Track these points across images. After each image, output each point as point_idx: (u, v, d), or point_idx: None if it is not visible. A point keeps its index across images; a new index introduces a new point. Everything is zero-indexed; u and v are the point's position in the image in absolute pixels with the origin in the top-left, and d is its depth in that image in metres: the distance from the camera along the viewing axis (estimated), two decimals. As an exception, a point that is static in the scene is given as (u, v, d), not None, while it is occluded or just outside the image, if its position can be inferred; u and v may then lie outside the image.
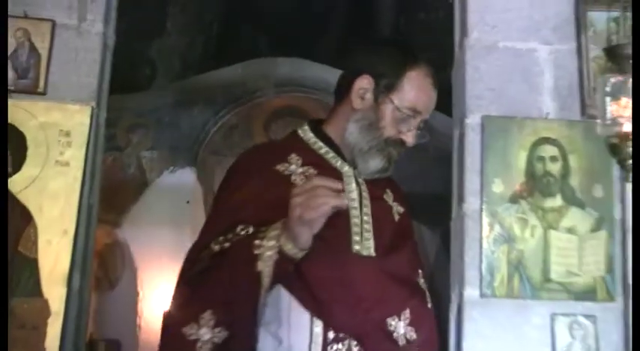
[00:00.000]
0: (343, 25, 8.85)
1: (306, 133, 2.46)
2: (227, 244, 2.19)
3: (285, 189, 2.13)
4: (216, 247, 2.20)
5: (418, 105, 2.36)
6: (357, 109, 2.38)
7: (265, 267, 2.04)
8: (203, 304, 2.13)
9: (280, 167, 2.34)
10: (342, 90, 2.47)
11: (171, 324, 2.21)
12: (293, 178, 2.31)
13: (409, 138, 2.38)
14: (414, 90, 2.35)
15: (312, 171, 2.33)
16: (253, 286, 2.07)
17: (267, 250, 2.04)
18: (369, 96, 2.37)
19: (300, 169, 2.33)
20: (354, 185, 2.37)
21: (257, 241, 2.07)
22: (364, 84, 2.37)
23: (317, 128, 2.47)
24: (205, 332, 2.08)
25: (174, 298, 2.28)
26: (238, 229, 2.22)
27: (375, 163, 2.38)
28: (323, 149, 2.41)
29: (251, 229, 2.19)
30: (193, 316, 2.11)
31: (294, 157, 2.36)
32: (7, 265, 2.86)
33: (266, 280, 2.06)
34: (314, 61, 7.79)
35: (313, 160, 2.37)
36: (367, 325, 2.23)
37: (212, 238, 2.24)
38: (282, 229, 2.03)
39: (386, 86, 2.34)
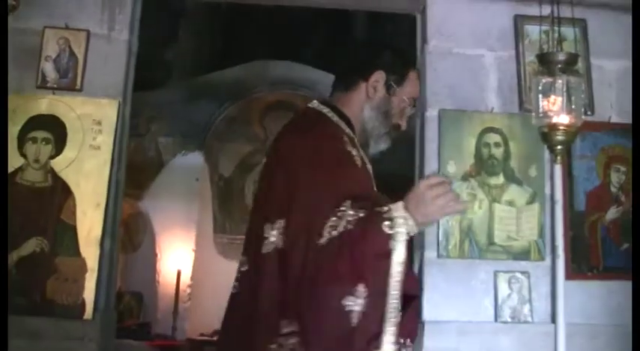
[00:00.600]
0: (324, 35, 8.82)
1: (334, 117, 2.27)
2: (346, 224, 1.92)
3: (359, 169, 2.13)
4: (341, 226, 1.92)
5: (415, 97, 2.38)
6: (370, 97, 2.30)
7: (398, 245, 1.85)
8: (356, 277, 1.87)
9: (349, 148, 2.17)
10: (353, 80, 2.34)
11: (330, 296, 1.89)
12: (355, 158, 2.17)
13: (404, 123, 2.37)
14: (413, 85, 2.37)
15: (361, 154, 2.22)
16: (386, 262, 1.87)
17: (399, 230, 1.86)
18: (380, 88, 2.30)
19: (354, 151, 2.18)
20: None
21: (387, 222, 1.87)
22: (379, 78, 2.30)
23: (340, 112, 2.29)
24: (360, 303, 1.85)
25: (323, 270, 1.91)
26: (347, 204, 1.96)
27: (384, 145, 2.34)
28: (351, 134, 2.26)
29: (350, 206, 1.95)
30: (351, 289, 1.86)
31: (345, 139, 2.20)
32: (7, 264, 2.84)
33: (400, 256, 1.86)
34: (301, 63, 7.77)
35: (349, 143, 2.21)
36: None
37: (328, 214, 1.94)
38: (408, 215, 1.87)
39: (395, 81, 2.31)
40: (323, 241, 1.92)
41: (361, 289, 1.86)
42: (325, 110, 2.28)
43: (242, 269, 2.08)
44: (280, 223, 1.98)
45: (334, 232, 1.92)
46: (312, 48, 8.60)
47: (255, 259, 2.03)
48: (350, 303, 1.85)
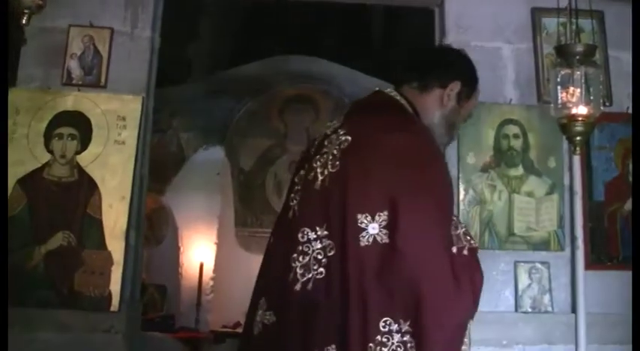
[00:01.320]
0: (342, 30, 8.83)
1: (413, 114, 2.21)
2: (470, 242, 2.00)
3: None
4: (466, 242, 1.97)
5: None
6: (445, 105, 2.23)
7: None
8: (474, 297, 1.90)
9: None
10: (432, 83, 2.25)
11: (464, 319, 1.90)
12: None
13: (454, 137, 2.37)
14: (477, 100, 2.36)
15: None
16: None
17: None
18: (453, 97, 2.24)
19: None
20: None
21: None
22: (455, 87, 2.24)
23: (416, 111, 2.21)
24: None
25: (464, 292, 1.87)
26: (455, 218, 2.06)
27: None
28: None
29: None
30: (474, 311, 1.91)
31: None
32: (7, 263, 2.87)
33: None
34: (319, 57, 7.77)
35: None
36: None
37: (449, 224, 1.97)
38: None
39: (466, 93, 2.27)
40: (454, 250, 1.93)
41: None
42: (404, 102, 2.21)
43: (329, 254, 1.93)
44: (382, 216, 1.87)
45: (464, 251, 1.94)
46: (329, 43, 8.61)
47: (347, 246, 1.90)
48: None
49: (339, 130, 2.08)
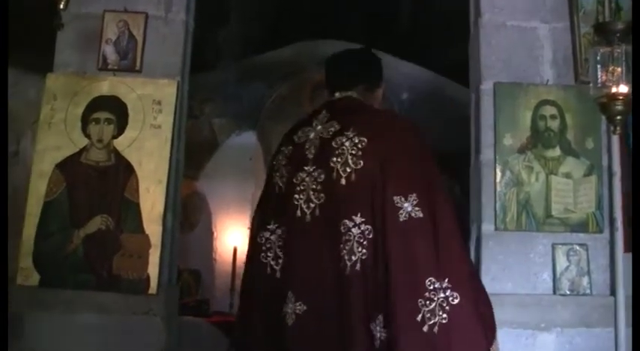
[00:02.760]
0: (371, 12, 8.77)
1: None
2: None
3: None
4: None
5: None
6: (381, 100, 2.82)
7: None
8: None
9: None
10: (376, 84, 2.77)
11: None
12: None
13: None
14: None
15: None
16: None
17: None
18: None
19: None
20: None
21: None
22: (383, 85, 2.82)
23: None
24: None
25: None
26: None
27: None
28: None
29: None
30: None
31: None
32: (7, 261, 2.91)
33: None
34: (347, 42, 7.74)
35: None
36: None
37: None
38: None
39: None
40: None
41: None
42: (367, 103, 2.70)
43: (369, 237, 2.29)
44: (412, 197, 2.30)
45: None
46: (359, 26, 8.57)
47: (387, 223, 2.29)
48: None
49: (346, 133, 2.42)
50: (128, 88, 3.60)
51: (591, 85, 2.84)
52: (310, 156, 2.46)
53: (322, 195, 2.39)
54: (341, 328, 2.26)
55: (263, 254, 2.49)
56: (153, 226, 3.47)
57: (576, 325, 3.35)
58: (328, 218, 2.37)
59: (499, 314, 3.28)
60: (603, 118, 2.91)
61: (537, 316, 3.35)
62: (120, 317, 3.41)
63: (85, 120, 3.59)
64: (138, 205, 3.48)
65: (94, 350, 3.38)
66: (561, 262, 3.42)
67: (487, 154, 3.52)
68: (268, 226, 2.51)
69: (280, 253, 2.45)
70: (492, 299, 3.27)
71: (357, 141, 2.39)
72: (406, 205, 2.30)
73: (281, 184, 2.52)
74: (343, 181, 2.36)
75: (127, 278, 3.40)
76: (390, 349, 2.19)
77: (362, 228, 2.31)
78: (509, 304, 3.34)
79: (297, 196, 2.42)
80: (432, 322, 2.18)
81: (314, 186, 2.41)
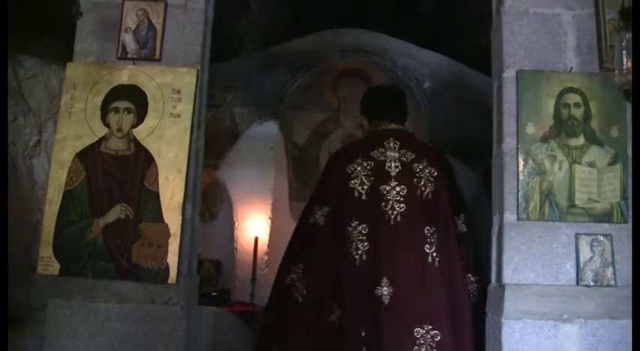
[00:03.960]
0: (392, 1, 8.73)
1: None
2: None
3: None
4: None
5: None
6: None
7: None
8: None
9: None
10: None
11: None
12: None
13: None
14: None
15: None
16: None
17: None
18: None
19: None
20: None
21: None
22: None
23: None
24: None
25: None
26: None
27: None
28: None
29: None
30: None
31: None
32: (7, 259, 2.90)
33: None
34: (371, 30, 7.71)
35: None
36: None
37: None
38: None
39: None
40: None
41: None
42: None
43: (437, 241, 3.31)
44: (461, 217, 3.45)
45: None
46: (381, 14, 8.53)
47: (450, 231, 3.41)
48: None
49: (422, 162, 3.42)
50: (147, 77, 3.60)
51: (616, 72, 2.80)
52: (393, 173, 3.31)
53: (403, 205, 3.25)
54: (426, 305, 3.15)
55: (350, 245, 3.24)
56: (172, 215, 3.47)
57: (600, 317, 3.31)
58: (410, 224, 3.26)
59: (521, 305, 3.29)
60: (629, 106, 2.87)
61: (560, 307, 3.31)
62: (139, 306, 3.43)
63: (105, 109, 3.60)
64: (157, 194, 3.48)
65: (114, 339, 3.40)
66: (585, 253, 3.38)
67: (509, 143, 3.47)
68: (352, 223, 3.27)
69: (360, 246, 3.23)
70: (514, 290, 3.30)
71: (431, 170, 3.36)
72: (459, 222, 3.42)
73: (361, 191, 3.30)
74: (424, 198, 3.31)
75: (146, 267, 3.42)
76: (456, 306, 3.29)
77: (436, 235, 3.28)
78: (532, 294, 3.31)
79: (383, 203, 3.26)
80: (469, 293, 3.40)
81: (398, 197, 3.26)
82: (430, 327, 3.11)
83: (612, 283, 3.35)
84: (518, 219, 3.40)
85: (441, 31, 8.08)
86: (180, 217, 3.48)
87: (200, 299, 4.04)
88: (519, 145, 3.45)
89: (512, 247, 3.38)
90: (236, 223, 7.43)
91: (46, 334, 3.45)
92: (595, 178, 3.45)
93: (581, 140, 3.48)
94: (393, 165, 3.30)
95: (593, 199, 3.43)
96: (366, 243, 3.21)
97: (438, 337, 3.13)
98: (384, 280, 3.14)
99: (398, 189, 3.26)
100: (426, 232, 3.24)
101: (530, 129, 3.46)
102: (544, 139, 3.46)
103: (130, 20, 3.66)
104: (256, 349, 3.47)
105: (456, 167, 6.70)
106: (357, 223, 3.23)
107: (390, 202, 3.23)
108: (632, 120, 3.37)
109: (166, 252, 3.43)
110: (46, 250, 3.46)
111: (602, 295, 3.33)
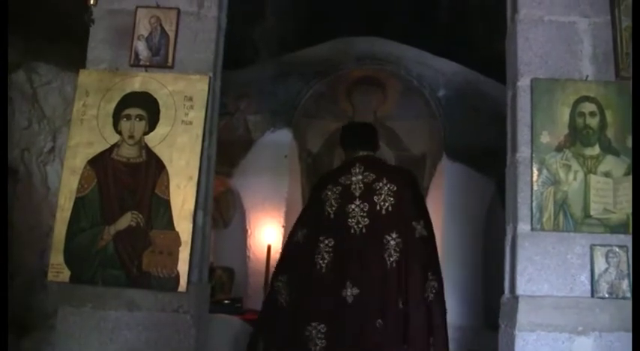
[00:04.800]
0: (408, 8, 8.70)
1: None
2: None
3: None
4: None
5: None
6: None
7: None
8: None
9: None
10: (376, 149, 4.18)
11: None
12: None
13: None
14: None
15: None
16: None
17: None
18: None
19: None
20: None
21: None
22: None
23: None
24: None
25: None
26: None
27: None
28: None
29: None
30: None
31: None
32: (7, 257, 2.88)
33: None
34: (385, 38, 7.69)
35: None
36: None
37: None
38: None
39: None
40: None
41: None
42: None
43: (400, 247, 3.74)
44: (420, 222, 3.80)
45: None
46: (396, 23, 8.51)
47: (409, 238, 3.75)
48: None
49: (382, 180, 3.85)
50: (159, 84, 3.60)
51: (632, 80, 2.76)
52: (357, 194, 3.83)
53: (367, 219, 3.75)
54: (381, 302, 3.60)
55: (317, 256, 3.73)
56: (183, 223, 3.46)
57: (615, 330, 3.26)
58: (372, 234, 3.73)
59: (535, 317, 3.25)
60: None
61: (575, 319, 3.27)
62: (149, 314, 3.42)
63: (117, 116, 3.60)
64: (168, 201, 3.48)
65: (124, 347, 3.39)
66: (600, 264, 3.33)
67: (524, 152, 3.44)
68: (320, 238, 3.77)
69: (327, 256, 3.73)
70: (528, 301, 3.26)
71: (391, 186, 3.81)
72: (419, 227, 3.79)
73: (331, 211, 3.84)
74: (383, 211, 3.76)
75: (156, 275, 3.41)
76: (407, 314, 3.62)
77: (396, 241, 3.71)
78: (546, 306, 3.27)
79: (350, 219, 3.77)
80: (427, 295, 3.66)
81: (361, 213, 3.77)
82: (381, 321, 3.59)
83: (628, 295, 3.30)
84: (532, 229, 3.36)
85: (455, 39, 8.05)
86: (191, 225, 3.47)
87: (212, 307, 4.03)
88: (534, 155, 3.41)
89: (526, 258, 3.34)
90: (249, 231, 7.41)
91: (56, 341, 3.44)
92: (611, 188, 3.41)
93: (596, 150, 3.44)
94: (357, 187, 3.84)
95: (609, 209, 3.39)
96: (331, 254, 3.73)
97: (385, 328, 3.60)
98: (348, 283, 3.64)
99: (362, 206, 3.78)
100: (385, 240, 3.70)
101: (544, 138, 3.43)
102: (559, 149, 3.42)
103: (143, 27, 3.66)
104: (249, 342, 3.92)
105: (470, 175, 6.69)
106: (324, 237, 3.76)
107: (356, 218, 3.76)
108: (632, 120, 3.33)
109: (177, 260, 3.42)
110: (56, 257, 3.45)
111: (618, 307, 3.28)
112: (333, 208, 3.84)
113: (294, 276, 3.84)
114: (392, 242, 3.70)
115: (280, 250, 7.23)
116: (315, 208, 3.96)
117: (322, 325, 3.62)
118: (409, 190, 3.88)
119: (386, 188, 3.81)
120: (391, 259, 3.68)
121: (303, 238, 3.89)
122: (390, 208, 3.77)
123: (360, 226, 3.75)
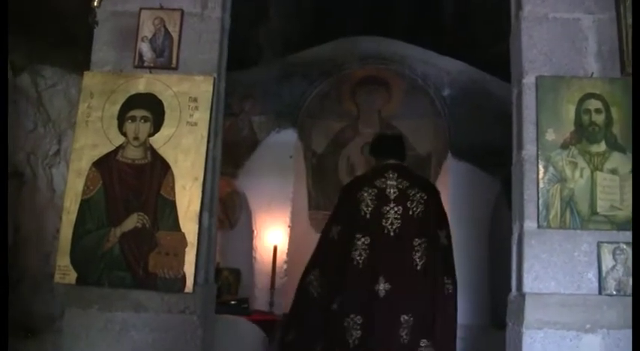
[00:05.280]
0: (412, 8, 8.70)
1: None
2: None
3: None
4: None
5: None
6: None
7: None
8: None
9: None
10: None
11: None
12: None
13: None
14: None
15: None
16: None
17: None
18: None
19: None
20: None
21: None
22: None
23: None
24: None
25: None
26: None
27: None
28: None
29: None
30: None
31: None
32: (7, 257, 2.87)
33: None
34: (389, 38, 7.68)
35: None
36: None
37: None
38: None
39: None
40: None
41: None
42: None
43: (426, 251, 4.08)
44: (444, 231, 4.18)
45: None
46: (400, 22, 8.51)
47: (434, 244, 4.10)
48: None
49: (415, 188, 4.20)
50: (164, 86, 3.61)
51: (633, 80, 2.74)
52: (392, 197, 4.15)
53: (399, 221, 4.09)
54: (409, 298, 3.97)
55: (354, 252, 4.06)
56: (189, 224, 3.46)
57: (623, 327, 3.23)
58: (403, 236, 4.06)
59: (542, 314, 3.24)
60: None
61: (582, 316, 3.25)
62: (156, 315, 3.42)
63: (122, 118, 3.60)
64: (174, 202, 3.48)
65: (131, 348, 3.39)
66: (607, 262, 3.32)
67: (529, 149, 3.43)
68: (357, 236, 4.10)
69: (363, 253, 4.06)
70: (535, 299, 3.25)
71: (422, 194, 4.16)
72: (442, 235, 4.14)
73: (367, 211, 4.14)
74: (415, 216, 4.11)
75: (163, 276, 3.41)
76: (428, 312, 3.99)
77: (424, 245, 4.05)
78: (553, 304, 3.26)
79: (384, 220, 4.10)
80: (444, 293, 4.04)
81: (395, 216, 4.10)
82: (410, 315, 3.95)
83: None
84: (539, 227, 3.35)
85: (460, 38, 8.04)
86: (196, 226, 3.47)
87: (218, 308, 4.02)
88: (539, 152, 3.40)
89: (533, 256, 3.33)
90: (255, 232, 7.42)
91: (62, 343, 3.44)
92: (617, 185, 3.39)
93: (602, 146, 3.42)
94: (392, 191, 4.17)
95: (616, 206, 3.37)
96: (367, 251, 4.06)
97: (412, 322, 3.97)
98: (381, 279, 3.98)
99: (396, 209, 4.11)
100: (415, 243, 4.04)
101: (550, 135, 3.41)
102: (564, 146, 3.41)
103: (147, 29, 3.66)
104: (280, 333, 4.34)
105: (475, 174, 6.67)
106: (360, 235, 4.09)
107: (390, 219, 4.09)
108: (632, 120, 3.32)
109: (183, 261, 3.42)
110: (63, 259, 3.46)
111: (625, 304, 3.25)
112: (369, 209, 4.14)
113: (326, 270, 4.17)
114: (420, 245, 4.05)
115: (287, 249, 7.31)
116: (348, 207, 4.24)
117: (359, 317, 3.98)
118: (435, 200, 4.23)
119: (418, 196, 4.15)
120: (418, 261, 4.03)
121: (337, 234, 4.20)
122: (420, 214, 4.12)
123: (394, 227, 4.08)
